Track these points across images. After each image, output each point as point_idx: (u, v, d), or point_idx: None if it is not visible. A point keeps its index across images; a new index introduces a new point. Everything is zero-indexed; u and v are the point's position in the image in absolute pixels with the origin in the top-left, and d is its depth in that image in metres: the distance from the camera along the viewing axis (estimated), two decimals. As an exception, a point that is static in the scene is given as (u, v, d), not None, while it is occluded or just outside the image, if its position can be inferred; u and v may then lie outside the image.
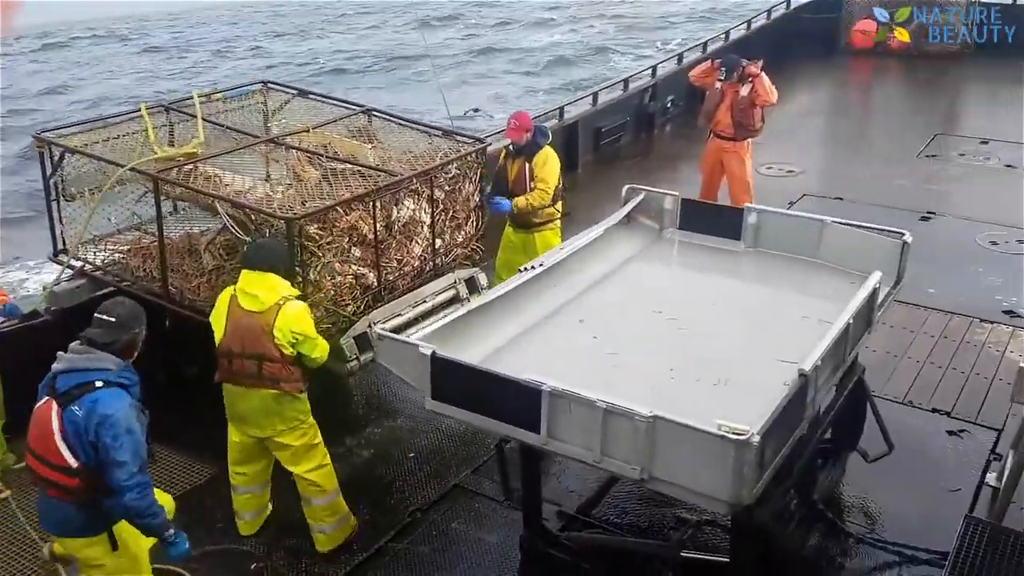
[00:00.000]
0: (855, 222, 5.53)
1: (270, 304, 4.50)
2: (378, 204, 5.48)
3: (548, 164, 6.73)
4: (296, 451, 4.79)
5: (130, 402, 3.71)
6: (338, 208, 5.28)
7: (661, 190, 5.99)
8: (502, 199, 6.66)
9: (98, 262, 6.04)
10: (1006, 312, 7.57)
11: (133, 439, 3.63)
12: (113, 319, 3.74)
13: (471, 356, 4.23)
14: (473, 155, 6.20)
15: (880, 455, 5.29)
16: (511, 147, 6.83)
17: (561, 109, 11.10)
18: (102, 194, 5.73)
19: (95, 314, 3.76)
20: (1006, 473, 5.10)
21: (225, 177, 5.78)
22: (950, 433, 6.06)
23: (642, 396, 3.75)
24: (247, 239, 5.27)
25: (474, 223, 6.32)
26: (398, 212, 5.67)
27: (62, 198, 6.01)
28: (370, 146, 6.30)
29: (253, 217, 5.21)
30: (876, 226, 5.43)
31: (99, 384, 3.63)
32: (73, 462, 3.63)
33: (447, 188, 6.06)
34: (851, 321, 4.33)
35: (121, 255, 5.99)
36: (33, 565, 4.89)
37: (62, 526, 3.80)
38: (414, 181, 5.71)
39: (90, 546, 3.83)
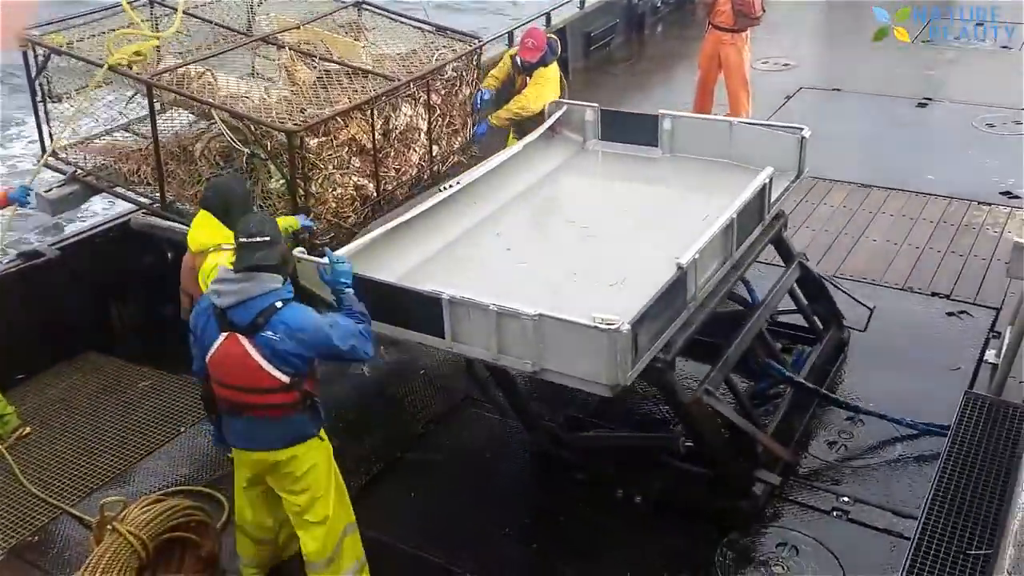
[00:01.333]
0: (762, 122, 5.82)
1: (205, 247, 4.40)
2: (376, 111, 5.33)
3: (540, 80, 6.49)
4: None
5: (308, 309, 3.75)
6: (337, 118, 5.13)
7: (581, 103, 6.14)
8: (480, 125, 6.31)
9: (89, 166, 5.86)
10: (1003, 193, 7.57)
11: (334, 326, 3.72)
12: (268, 236, 3.68)
13: (391, 273, 4.47)
14: (470, 56, 6.01)
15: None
16: (519, 61, 6.59)
17: (548, 15, 10.72)
18: (87, 95, 5.53)
19: (243, 239, 3.67)
20: (1004, 348, 5.14)
21: (212, 78, 5.53)
22: (949, 315, 6.11)
23: (543, 299, 4.19)
24: (245, 150, 5.15)
25: (470, 128, 6.17)
26: (396, 119, 5.53)
27: (49, 99, 5.80)
28: (362, 44, 6.09)
29: (253, 129, 5.04)
30: (778, 124, 5.78)
31: (279, 305, 3.65)
32: (285, 379, 3.68)
33: (443, 92, 5.89)
34: (735, 217, 4.65)
35: (113, 159, 5.83)
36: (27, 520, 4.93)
37: (283, 439, 3.82)
38: (412, 86, 5.54)
39: (309, 449, 3.88)
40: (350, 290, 3.93)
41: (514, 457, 5.14)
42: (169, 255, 6.42)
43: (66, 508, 4.92)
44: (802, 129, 5.37)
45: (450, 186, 5.26)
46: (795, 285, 5.56)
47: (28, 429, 5.57)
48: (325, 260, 4.05)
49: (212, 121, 5.44)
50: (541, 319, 3.89)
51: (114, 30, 5.72)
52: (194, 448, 5.39)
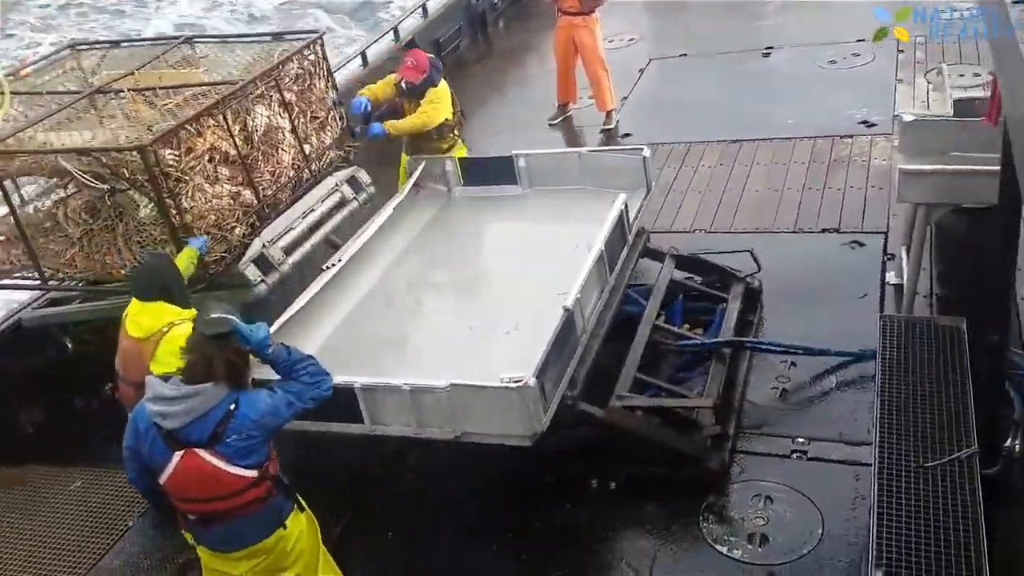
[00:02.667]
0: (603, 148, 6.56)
1: (153, 331, 4.23)
2: (228, 116, 5.28)
3: (433, 98, 6.51)
4: None
5: (258, 395, 3.56)
6: (189, 127, 5.06)
7: (437, 156, 6.52)
8: (375, 124, 6.41)
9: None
10: (861, 123, 8.02)
11: (283, 394, 3.57)
12: (224, 333, 3.49)
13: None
14: (312, 48, 6.00)
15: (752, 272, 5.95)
16: (404, 85, 6.53)
17: (395, 29, 10.70)
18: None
19: (181, 349, 3.50)
20: (905, 270, 5.52)
21: (55, 140, 5.37)
22: (843, 246, 6.47)
23: (447, 361, 4.59)
24: (104, 187, 5.04)
25: (336, 120, 6.19)
26: (253, 121, 5.48)
27: None
28: (202, 70, 6.02)
29: (105, 160, 4.91)
30: (621, 147, 6.61)
31: (233, 408, 3.44)
32: (253, 473, 3.52)
33: (296, 88, 5.88)
34: (603, 248, 5.09)
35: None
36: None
37: (266, 527, 3.67)
38: (257, 84, 5.51)
39: (292, 522, 3.74)
40: (271, 348, 3.68)
41: (478, 475, 5.06)
42: (69, 344, 6.14)
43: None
44: (642, 149, 6.01)
45: (332, 265, 5.44)
46: (674, 275, 5.88)
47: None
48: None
49: (67, 183, 5.26)
50: (453, 388, 4.15)
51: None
52: (148, 540, 5.11)
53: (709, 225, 7.05)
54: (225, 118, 5.21)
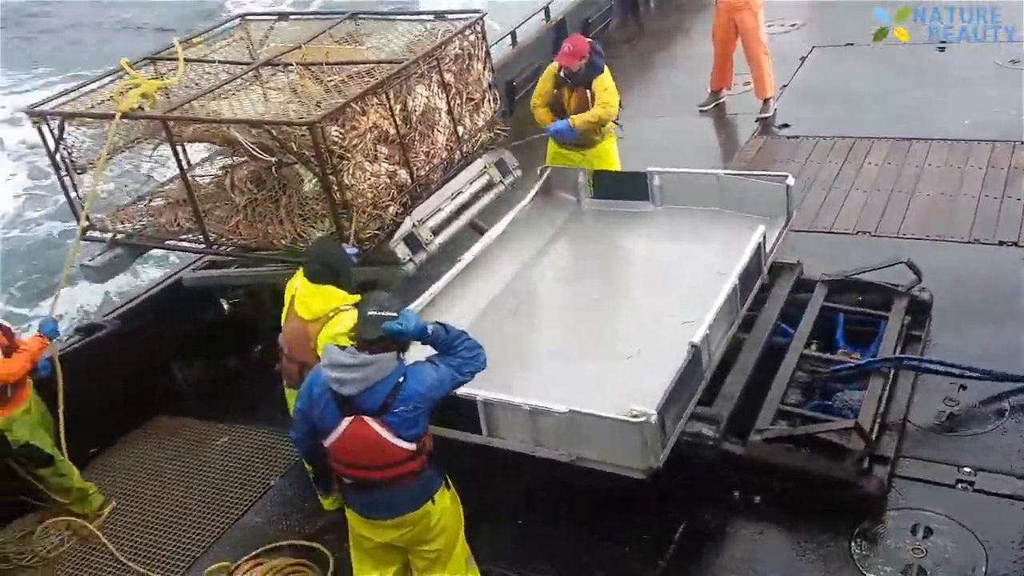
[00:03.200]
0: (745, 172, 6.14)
1: (321, 314, 4.34)
2: (391, 96, 5.29)
3: (605, 81, 6.31)
4: None
5: (424, 368, 3.68)
6: (354, 106, 5.08)
7: (569, 167, 6.41)
8: (558, 121, 6.31)
9: (129, 230, 5.81)
10: (1047, 128, 7.41)
11: (446, 368, 3.68)
12: (393, 312, 3.57)
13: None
14: (473, 28, 5.95)
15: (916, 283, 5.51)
16: (563, 73, 6.34)
17: (546, 9, 10.60)
18: (107, 151, 5.43)
19: (370, 312, 3.56)
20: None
21: (227, 110, 5.49)
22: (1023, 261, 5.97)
23: (568, 381, 4.64)
24: (272, 160, 5.12)
25: (491, 102, 6.14)
26: (413, 101, 5.49)
27: (74, 173, 5.72)
28: (365, 48, 6.06)
29: (275, 133, 5.00)
30: (763, 173, 6.16)
31: (402, 380, 3.57)
32: (413, 447, 3.63)
33: (455, 69, 5.85)
34: (737, 282, 4.94)
35: (151, 217, 5.74)
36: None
37: (417, 500, 3.77)
38: (420, 64, 5.50)
39: (440, 497, 3.83)
40: (430, 326, 3.74)
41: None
42: (225, 305, 6.39)
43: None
44: (786, 177, 5.71)
45: (459, 260, 5.48)
46: (828, 302, 5.55)
47: (112, 504, 5.49)
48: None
49: (234, 152, 5.39)
50: (572, 414, 4.16)
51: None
52: (287, 501, 5.28)
53: (874, 228, 6.66)
54: (388, 97, 5.24)
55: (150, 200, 5.93)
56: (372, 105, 5.19)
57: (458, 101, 5.84)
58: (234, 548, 4.95)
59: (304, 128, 4.82)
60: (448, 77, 5.72)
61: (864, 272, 5.67)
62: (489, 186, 6.09)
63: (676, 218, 6.08)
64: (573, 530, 4.66)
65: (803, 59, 9.72)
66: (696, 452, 4.57)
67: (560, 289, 5.76)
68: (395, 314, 3.57)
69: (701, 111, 9.14)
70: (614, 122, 6.60)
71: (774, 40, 10.00)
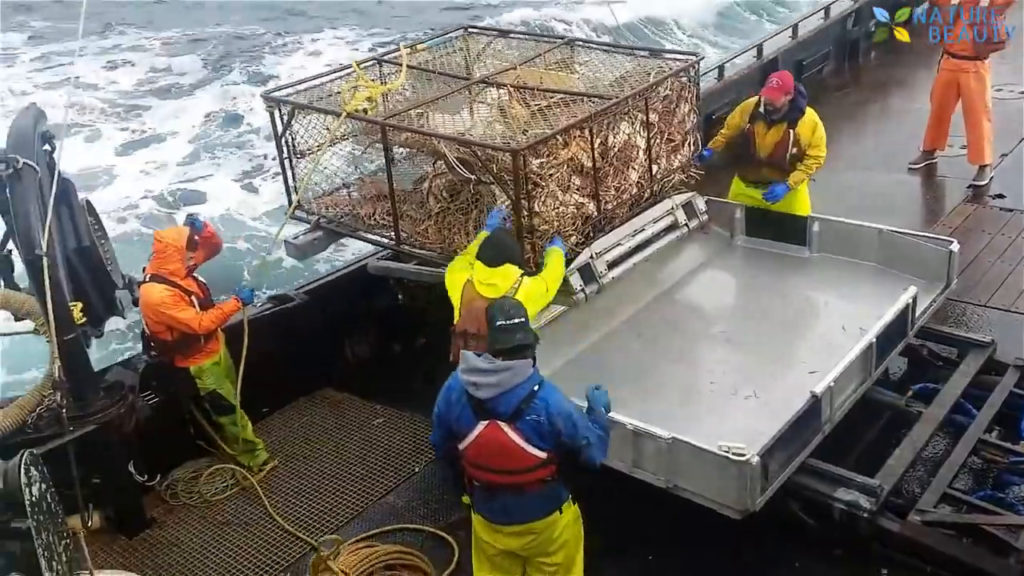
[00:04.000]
0: (908, 231, 5.85)
1: (507, 289, 4.52)
2: (595, 130, 5.32)
3: (819, 129, 6.13)
4: None
5: (559, 392, 3.79)
6: (558, 138, 5.16)
7: (730, 201, 6.35)
8: (777, 185, 6.13)
9: (330, 215, 6.20)
10: None
11: (582, 416, 3.79)
12: (523, 318, 3.74)
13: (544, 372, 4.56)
14: (687, 71, 5.90)
15: None
16: (763, 110, 6.17)
17: (759, 46, 10.45)
18: (327, 142, 5.81)
19: (502, 322, 3.69)
20: None
21: (437, 119, 5.75)
22: None
23: (679, 412, 4.69)
24: (471, 176, 5.29)
25: (690, 146, 6.06)
26: (614, 137, 5.51)
27: (294, 156, 6.17)
28: (576, 75, 6.13)
29: (479, 154, 5.17)
30: (928, 235, 5.93)
31: (536, 389, 3.69)
32: (544, 455, 3.71)
33: (660, 109, 5.82)
34: (875, 340, 4.82)
35: (351, 207, 6.13)
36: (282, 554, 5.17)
37: (544, 509, 3.85)
38: (629, 103, 5.48)
39: (565, 511, 3.91)
40: (604, 412, 3.89)
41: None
42: (400, 296, 6.72)
43: (316, 545, 5.02)
44: (951, 243, 5.61)
45: (602, 275, 5.47)
46: (1017, 389, 5.22)
47: (275, 463, 5.90)
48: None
49: (436, 160, 5.63)
50: (675, 442, 4.22)
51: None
52: (428, 489, 5.51)
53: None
54: (591, 132, 5.32)
55: (352, 191, 6.27)
56: (574, 138, 5.27)
57: (658, 140, 5.80)
58: (371, 524, 5.23)
59: (507, 154, 4.95)
60: (653, 116, 5.70)
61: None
62: (673, 227, 6.02)
63: (829, 267, 5.99)
64: (702, 573, 4.56)
65: (1030, 129, 9.05)
66: (851, 522, 4.41)
67: (692, 320, 5.76)
68: (523, 319, 3.69)
69: (911, 169, 8.70)
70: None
71: (1002, 105, 9.40)
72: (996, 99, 9.29)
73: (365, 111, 5.76)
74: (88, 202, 5.54)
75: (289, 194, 6.21)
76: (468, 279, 4.68)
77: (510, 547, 3.94)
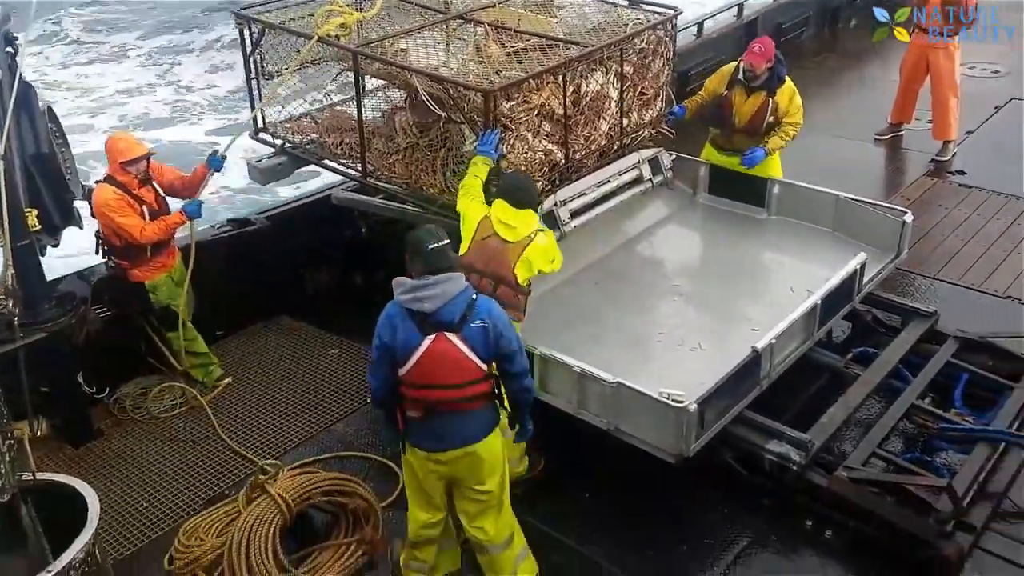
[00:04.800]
0: (864, 199, 5.93)
1: (523, 236, 4.56)
2: (568, 77, 5.31)
3: (796, 98, 6.14)
4: None
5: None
6: (531, 82, 5.15)
7: (696, 159, 6.44)
8: (756, 149, 6.11)
9: (296, 140, 6.15)
10: None
11: (512, 328, 3.95)
12: (447, 240, 3.88)
13: None
14: (665, 25, 5.89)
15: None
16: (742, 77, 6.13)
17: (740, 6, 10.41)
18: (295, 65, 5.70)
19: (434, 246, 3.79)
20: None
21: (411, 52, 5.67)
22: None
23: (626, 355, 4.86)
24: (443, 114, 5.26)
25: (663, 101, 6.07)
26: (587, 86, 5.49)
27: (261, 77, 6.08)
28: (555, 20, 6.04)
29: (451, 91, 5.14)
30: (884, 204, 6.01)
31: (474, 296, 3.85)
32: (485, 367, 3.86)
33: (635, 61, 5.80)
34: (819, 302, 4.98)
35: (317, 135, 6.08)
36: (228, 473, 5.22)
37: (484, 429, 3.96)
38: (605, 53, 5.47)
39: (497, 434, 4.01)
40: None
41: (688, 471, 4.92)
42: (363, 228, 6.73)
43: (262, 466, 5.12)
44: (905, 213, 5.72)
45: (565, 223, 5.61)
46: (955, 359, 5.36)
47: (228, 380, 5.96)
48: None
49: (408, 94, 5.59)
50: (619, 386, 4.38)
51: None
52: (379, 419, 5.49)
53: (1025, 294, 6.31)
54: (565, 79, 5.28)
55: (319, 119, 6.19)
56: (547, 83, 5.25)
57: (631, 93, 5.80)
58: (319, 450, 5.31)
59: (478, 93, 4.92)
60: (627, 68, 5.68)
61: (1001, 337, 5.42)
62: (637, 181, 6.12)
63: (785, 229, 6.12)
64: (638, 517, 4.71)
65: (997, 108, 9.21)
66: (780, 473, 4.57)
67: (649, 272, 5.86)
68: (448, 240, 3.85)
69: (876, 139, 8.80)
70: None
71: (970, 84, 9.54)
72: (968, 77, 9.44)
73: (338, 37, 5.67)
74: (50, 108, 5.43)
75: (255, 115, 6.14)
76: (486, 215, 4.67)
77: (445, 474, 4.01)
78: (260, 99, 6.07)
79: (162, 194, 5.60)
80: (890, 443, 4.91)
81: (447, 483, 4.08)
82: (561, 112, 5.33)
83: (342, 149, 5.91)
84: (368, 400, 5.69)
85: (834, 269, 5.28)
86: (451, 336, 3.77)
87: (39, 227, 5.04)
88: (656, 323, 5.28)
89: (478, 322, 3.78)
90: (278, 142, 6.14)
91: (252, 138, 6.24)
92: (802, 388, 5.32)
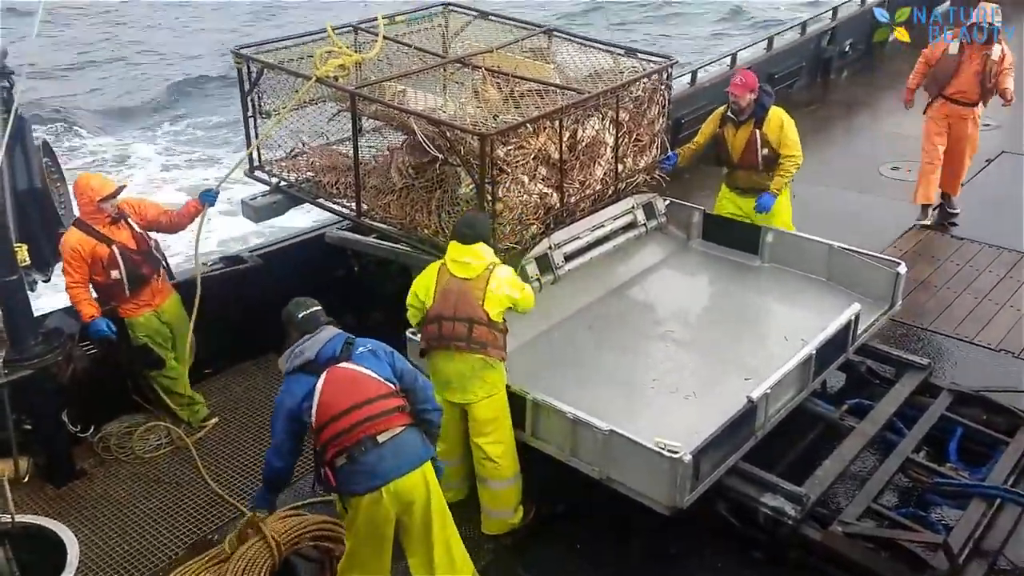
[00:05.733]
0: (858, 249, 5.89)
1: (481, 270, 4.59)
2: (565, 123, 5.34)
3: (787, 128, 6.16)
4: (487, 421, 4.70)
5: None
6: (528, 126, 5.16)
7: (690, 204, 6.40)
8: (765, 196, 6.16)
9: (293, 180, 6.13)
10: None
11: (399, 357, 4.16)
12: (315, 307, 4.21)
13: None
14: (660, 74, 5.94)
15: None
16: (730, 113, 6.25)
17: (734, 56, 10.53)
18: (293, 104, 5.76)
19: (305, 313, 4.16)
20: None
21: (409, 94, 5.70)
22: None
23: (619, 402, 4.80)
24: (440, 156, 5.21)
25: (657, 148, 6.10)
26: (583, 131, 5.52)
27: (259, 115, 6.08)
28: (552, 66, 6.12)
29: (448, 135, 5.14)
30: (877, 255, 5.92)
31: (348, 339, 4.09)
32: (390, 385, 3.98)
33: (631, 108, 5.84)
34: (814, 352, 4.96)
35: (313, 173, 6.06)
36: (211, 517, 5.15)
37: (425, 449, 4.03)
38: (601, 99, 5.51)
39: (432, 473, 4.06)
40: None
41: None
42: (355, 267, 6.69)
43: (245, 510, 5.03)
44: (899, 264, 5.72)
45: (558, 267, 5.56)
46: (949, 412, 5.32)
47: (215, 420, 5.88)
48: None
49: (405, 135, 5.60)
50: (611, 434, 4.31)
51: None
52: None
53: (1019, 350, 6.29)
54: (562, 123, 5.30)
55: (314, 159, 6.16)
56: (544, 128, 5.27)
57: (626, 140, 5.83)
58: (305, 494, 5.18)
59: (475, 137, 4.94)
60: (623, 115, 5.73)
61: (995, 391, 5.40)
62: (631, 226, 6.10)
63: (779, 278, 6.13)
64: (629, 568, 4.65)
65: (988, 161, 9.27)
66: (774, 527, 4.51)
67: (642, 317, 5.83)
68: (319, 307, 4.19)
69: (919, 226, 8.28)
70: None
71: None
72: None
73: (336, 78, 5.71)
74: (45, 143, 5.44)
75: (250, 153, 6.13)
76: (441, 263, 4.70)
77: (406, 500, 3.92)
78: (256, 137, 6.07)
79: (139, 231, 5.51)
80: (885, 497, 4.86)
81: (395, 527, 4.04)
82: (557, 157, 5.34)
83: (337, 188, 5.90)
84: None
85: (828, 318, 5.27)
86: (342, 364, 3.94)
87: (28, 262, 4.98)
88: (649, 369, 5.25)
89: (361, 349, 3.98)
90: (274, 180, 6.12)
91: (247, 176, 6.22)
92: (797, 439, 5.27)
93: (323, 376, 3.91)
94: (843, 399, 5.48)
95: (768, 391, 4.61)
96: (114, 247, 5.32)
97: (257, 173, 6.20)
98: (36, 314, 5.27)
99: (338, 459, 3.85)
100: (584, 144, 5.56)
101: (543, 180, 5.39)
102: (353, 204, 5.73)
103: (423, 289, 4.71)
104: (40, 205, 5.19)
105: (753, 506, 4.56)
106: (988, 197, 8.61)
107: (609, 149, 5.72)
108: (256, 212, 6.09)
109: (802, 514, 4.47)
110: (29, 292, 5.12)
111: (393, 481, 3.87)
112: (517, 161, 5.19)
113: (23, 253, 4.90)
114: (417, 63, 6.06)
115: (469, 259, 4.60)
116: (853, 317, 5.28)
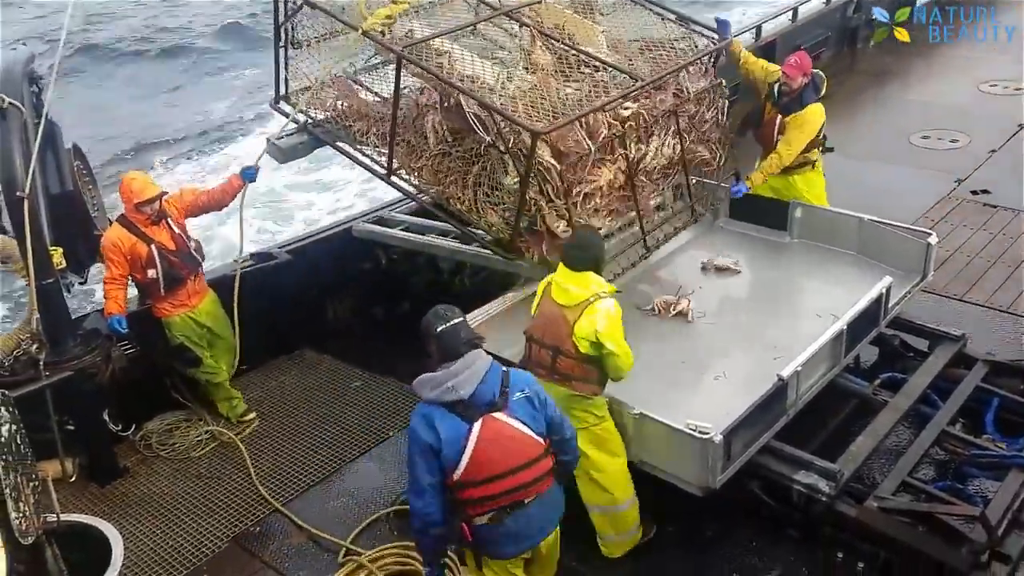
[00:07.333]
0: (888, 221, 5.77)
1: (580, 300, 4.21)
2: (630, 146, 5.13)
3: (798, 131, 5.99)
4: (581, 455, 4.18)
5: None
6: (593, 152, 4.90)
7: (713, 182, 6.12)
8: (741, 184, 6.08)
9: (320, 117, 5.83)
10: None
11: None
12: (457, 318, 3.53)
13: (518, 341, 4.57)
14: (715, 89, 5.70)
15: None
16: (779, 83, 6.06)
17: (759, 27, 10.38)
18: (330, 50, 5.49)
19: (438, 329, 3.47)
20: None
21: (455, 55, 5.17)
22: None
23: (649, 384, 4.68)
24: (487, 138, 4.86)
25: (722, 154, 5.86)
26: (645, 149, 5.29)
27: (291, 45, 5.84)
28: (601, 29, 5.76)
29: (496, 120, 4.75)
30: (907, 227, 5.83)
31: (504, 369, 3.56)
32: (543, 442, 3.58)
33: (692, 112, 5.59)
34: (845, 328, 4.91)
35: (345, 118, 5.71)
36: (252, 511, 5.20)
37: (560, 506, 3.74)
38: (661, 120, 5.31)
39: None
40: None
41: (716, 511, 4.78)
42: (383, 261, 6.76)
43: (282, 510, 5.13)
44: (930, 235, 5.61)
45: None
46: (985, 383, 5.23)
47: (254, 415, 5.96)
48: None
49: (448, 98, 5.13)
50: (642, 417, 4.33)
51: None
52: (401, 455, 5.50)
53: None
54: (626, 147, 5.13)
55: (343, 99, 5.78)
56: (607, 162, 5.08)
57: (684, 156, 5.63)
58: (345, 486, 5.28)
59: (527, 131, 4.57)
60: (682, 122, 5.51)
61: (1034, 360, 5.32)
62: (659, 207, 5.93)
63: (809, 254, 6.05)
64: (664, 547, 4.66)
65: (1021, 126, 9.07)
66: (808, 504, 4.48)
67: (669, 298, 5.64)
68: (462, 317, 3.54)
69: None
70: (824, 148, 6.35)
71: (993, 102, 9.46)
72: (990, 95, 9.34)
73: (383, 32, 5.24)
74: (76, 146, 5.52)
75: (278, 85, 5.96)
76: (550, 280, 4.40)
77: (543, 551, 3.75)
78: (286, 67, 5.89)
79: (178, 231, 5.56)
80: (920, 471, 4.82)
81: None
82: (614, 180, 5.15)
83: (367, 138, 5.58)
84: (390, 435, 5.67)
85: (859, 293, 5.20)
86: (500, 415, 3.46)
87: (64, 265, 5.09)
88: (678, 350, 5.22)
89: (519, 394, 3.49)
90: (300, 117, 5.86)
91: (272, 107, 6.11)
92: (829, 416, 5.24)
93: (478, 427, 3.42)
94: (876, 373, 5.44)
95: (799, 369, 4.56)
96: (152, 246, 5.41)
97: (282, 104, 5.99)
98: (73, 316, 5.40)
99: (479, 517, 3.55)
100: (641, 166, 5.31)
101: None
102: (382, 159, 5.44)
103: (533, 304, 4.51)
104: (73, 208, 5.28)
105: (786, 484, 4.53)
106: (1020, 163, 8.45)
107: (661, 169, 5.50)
108: (282, 152, 5.94)
109: (836, 490, 4.44)
110: (65, 294, 5.24)
111: (532, 547, 3.69)
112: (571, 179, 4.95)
113: (58, 256, 5.01)
114: (462, 11, 5.71)
115: (572, 287, 4.24)
116: (884, 290, 5.21)
